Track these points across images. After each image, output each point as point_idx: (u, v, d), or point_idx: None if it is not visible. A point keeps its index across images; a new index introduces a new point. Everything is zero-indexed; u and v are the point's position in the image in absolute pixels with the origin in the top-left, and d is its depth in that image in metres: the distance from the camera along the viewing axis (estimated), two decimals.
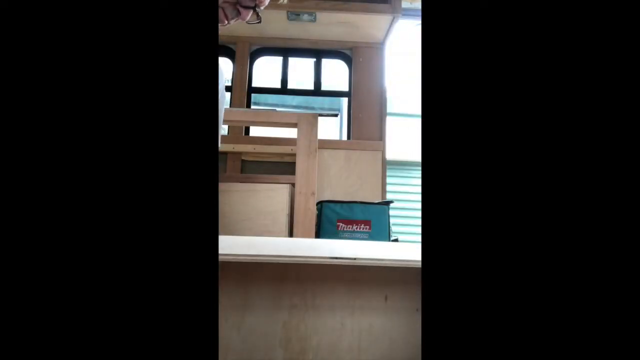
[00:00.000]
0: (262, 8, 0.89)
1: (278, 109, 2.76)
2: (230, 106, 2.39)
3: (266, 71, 2.59)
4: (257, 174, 2.24)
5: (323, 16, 2.16)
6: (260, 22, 0.91)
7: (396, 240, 1.93)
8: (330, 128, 2.59)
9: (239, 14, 0.87)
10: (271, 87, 2.59)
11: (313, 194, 1.80)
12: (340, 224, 1.87)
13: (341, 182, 2.22)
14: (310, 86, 2.51)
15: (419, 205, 2.49)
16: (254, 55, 2.48)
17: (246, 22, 0.89)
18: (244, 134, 2.39)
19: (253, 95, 2.51)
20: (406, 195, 2.60)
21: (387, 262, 0.64)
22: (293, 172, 1.86)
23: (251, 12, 0.88)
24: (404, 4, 2.28)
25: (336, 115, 1.92)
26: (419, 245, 0.81)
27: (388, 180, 2.34)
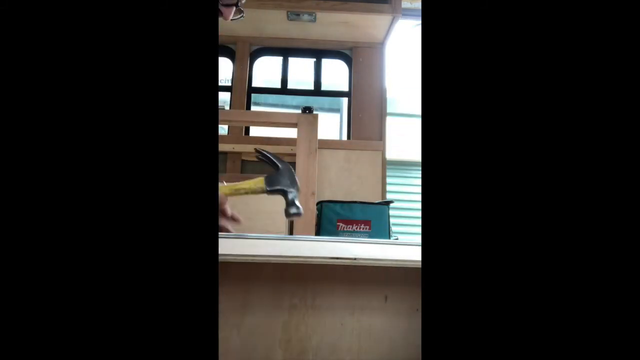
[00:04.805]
0: (243, 2, 0.87)
1: (278, 109, 2.76)
2: (230, 106, 2.40)
3: (266, 71, 2.58)
4: (257, 174, 2.24)
5: (323, 16, 2.16)
6: (243, 16, 0.89)
7: (396, 240, 1.93)
8: (330, 128, 2.59)
9: (221, 14, 0.84)
10: (271, 87, 2.59)
11: (313, 194, 1.81)
12: (340, 224, 1.87)
13: (341, 182, 2.22)
14: (310, 86, 2.51)
15: (419, 205, 2.48)
16: (254, 55, 2.48)
17: (230, 19, 0.86)
18: (244, 134, 2.39)
19: (253, 95, 2.51)
20: (406, 195, 2.59)
21: (387, 262, 0.64)
22: None
23: (233, 9, 0.86)
24: (404, 4, 2.28)
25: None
26: (419, 245, 0.81)
27: (388, 180, 2.34)
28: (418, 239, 0.91)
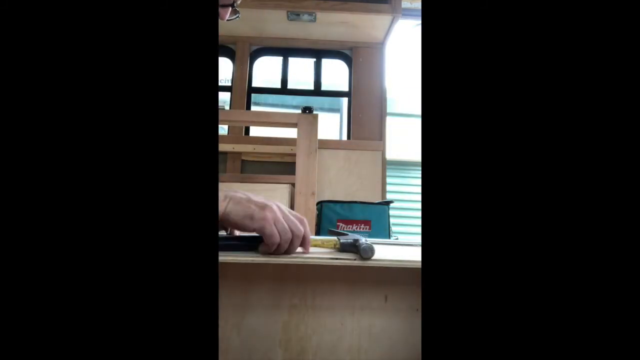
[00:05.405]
0: (239, 2, 0.87)
1: (278, 109, 2.76)
2: (230, 106, 2.40)
3: (266, 71, 2.59)
4: (257, 174, 2.24)
5: (323, 16, 2.16)
6: (239, 16, 0.88)
7: (396, 240, 1.93)
8: (330, 128, 2.60)
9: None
10: (271, 87, 2.59)
11: (313, 194, 1.81)
12: (340, 224, 1.87)
13: (341, 182, 2.22)
14: (310, 86, 2.52)
15: (419, 205, 2.49)
16: (254, 55, 2.48)
17: (226, 20, 0.86)
18: (244, 134, 2.39)
19: (253, 95, 2.51)
20: (406, 195, 2.60)
21: (387, 262, 0.64)
22: (293, 172, 1.86)
23: (229, 9, 0.86)
24: (404, 4, 2.29)
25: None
26: (419, 245, 0.81)
27: (388, 180, 2.34)
28: (418, 239, 0.90)
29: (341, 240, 0.67)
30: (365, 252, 0.62)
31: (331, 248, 0.68)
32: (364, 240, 0.67)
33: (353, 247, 0.66)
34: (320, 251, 0.67)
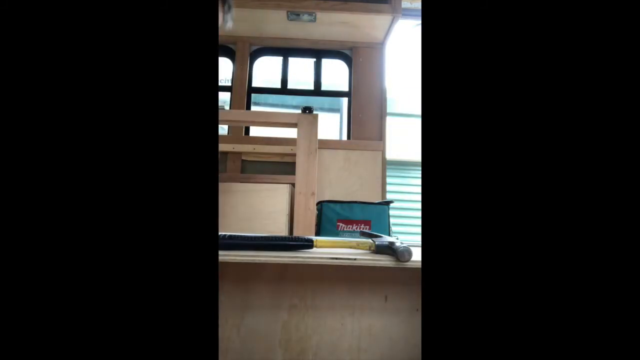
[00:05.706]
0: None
1: (278, 109, 2.76)
2: (230, 106, 2.40)
3: (266, 71, 2.58)
4: (257, 174, 2.24)
5: (323, 16, 2.16)
6: (229, 22, 0.86)
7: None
8: (331, 128, 2.59)
9: None
10: (271, 87, 2.59)
11: (313, 194, 1.80)
12: (340, 224, 1.87)
13: (341, 182, 2.22)
14: (310, 86, 2.52)
15: (419, 205, 2.48)
16: (254, 55, 2.48)
17: (222, 21, 0.83)
18: (244, 134, 2.39)
19: (253, 95, 2.51)
20: (406, 195, 2.59)
21: (387, 262, 0.64)
22: (293, 172, 1.86)
23: (223, 7, 0.83)
24: (404, 4, 2.29)
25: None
26: (419, 245, 0.81)
27: (388, 180, 2.34)
28: (418, 239, 0.90)
29: (377, 243, 0.67)
30: (402, 255, 0.62)
31: (366, 250, 0.68)
32: (399, 242, 0.66)
33: (389, 250, 0.66)
34: (355, 252, 0.67)
